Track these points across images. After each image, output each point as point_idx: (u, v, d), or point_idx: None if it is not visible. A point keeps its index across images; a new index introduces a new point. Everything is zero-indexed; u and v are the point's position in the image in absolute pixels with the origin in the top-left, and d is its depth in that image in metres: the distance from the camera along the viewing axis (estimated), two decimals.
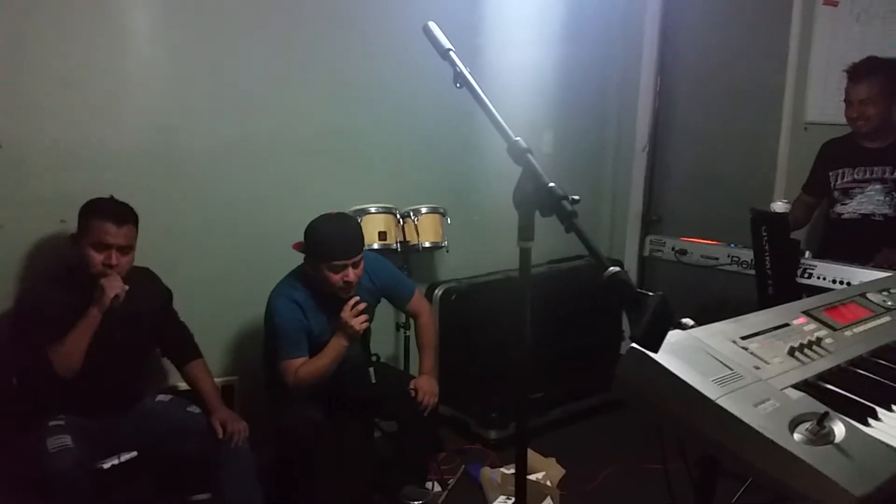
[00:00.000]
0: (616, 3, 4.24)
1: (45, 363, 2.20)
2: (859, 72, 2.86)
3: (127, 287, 2.29)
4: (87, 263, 2.27)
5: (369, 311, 2.63)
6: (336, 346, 2.54)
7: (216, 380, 2.99)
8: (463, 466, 3.17)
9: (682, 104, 4.27)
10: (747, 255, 2.77)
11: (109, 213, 2.29)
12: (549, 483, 2.95)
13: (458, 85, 1.42)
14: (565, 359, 3.64)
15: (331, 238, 2.52)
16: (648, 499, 2.28)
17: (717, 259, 2.95)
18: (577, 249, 4.30)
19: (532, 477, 2.94)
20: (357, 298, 2.55)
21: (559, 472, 3.07)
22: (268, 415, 2.74)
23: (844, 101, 2.93)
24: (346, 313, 2.52)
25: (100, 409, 2.36)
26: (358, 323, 2.51)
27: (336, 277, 2.52)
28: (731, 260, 2.88)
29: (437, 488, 2.94)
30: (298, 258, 2.66)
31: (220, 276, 3.03)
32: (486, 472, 3.02)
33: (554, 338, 3.55)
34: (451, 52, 1.43)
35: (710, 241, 3.04)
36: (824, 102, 3.39)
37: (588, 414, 3.70)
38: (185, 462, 2.49)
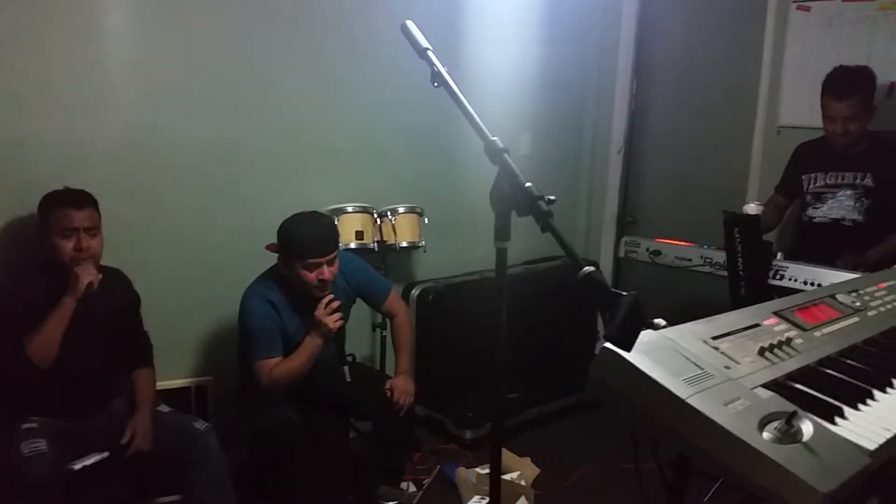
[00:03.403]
0: (593, 7, 4.27)
1: (20, 358, 2.17)
2: (839, 90, 2.86)
3: (101, 275, 2.27)
4: (58, 254, 2.25)
5: (344, 311, 2.62)
6: (310, 344, 2.53)
7: (190, 380, 2.99)
8: (438, 466, 3.17)
9: (657, 107, 4.32)
10: (720, 256, 2.80)
11: (68, 199, 2.30)
12: (523, 482, 2.97)
13: (435, 84, 1.42)
14: (541, 359, 3.66)
15: (305, 236, 2.50)
16: (622, 498, 2.30)
17: (690, 260, 2.98)
18: (554, 250, 4.31)
19: (507, 476, 2.94)
20: (331, 296, 2.54)
21: (534, 471, 3.08)
22: (242, 415, 2.72)
23: (824, 115, 2.94)
24: (319, 311, 2.50)
25: (72, 409, 2.33)
26: (332, 321, 2.50)
27: (311, 276, 2.50)
28: (704, 261, 2.91)
29: (413, 488, 2.94)
30: (273, 258, 2.64)
31: (194, 276, 3.00)
32: (462, 472, 3.02)
33: (530, 338, 3.56)
34: (429, 52, 1.43)
35: (683, 243, 3.07)
36: (797, 106, 3.45)
37: (563, 413, 3.72)
38: (156, 463, 2.46)
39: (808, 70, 3.22)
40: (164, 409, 2.51)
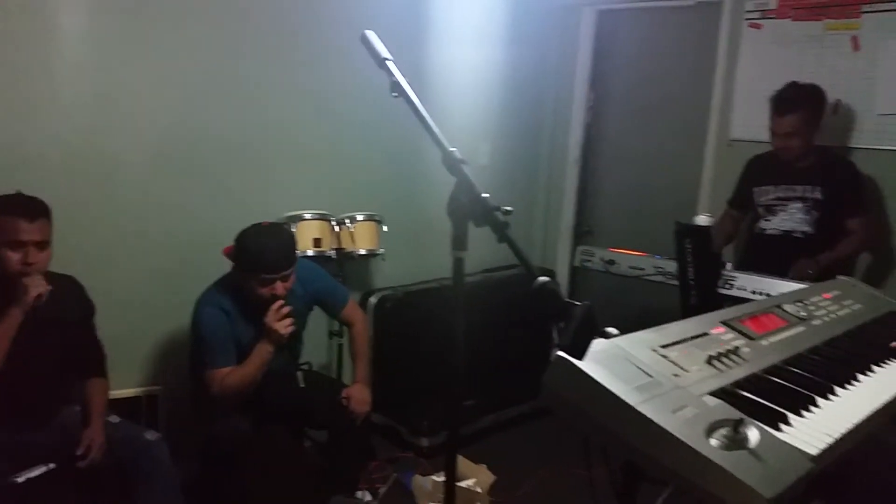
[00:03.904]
0: (552, 21, 4.34)
1: None
2: (784, 105, 2.96)
3: (50, 287, 2.19)
4: (2, 265, 2.17)
5: (301, 319, 2.60)
6: (261, 352, 2.50)
7: (141, 389, 2.93)
8: (394, 475, 3.16)
9: (613, 120, 4.39)
10: (672, 266, 2.86)
11: (20, 209, 2.17)
12: (479, 489, 2.97)
13: (394, 94, 1.43)
14: (498, 366, 3.68)
15: (261, 251, 2.47)
16: None
17: (643, 269, 3.04)
18: (512, 259, 4.32)
19: (462, 484, 2.95)
20: (281, 302, 2.50)
21: (489, 478, 3.09)
22: (193, 425, 2.68)
23: (770, 130, 3.05)
24: (270, 317, 2.47)
25: (18, 421, 2.26)
26: (283, 327, 2.47)
27: (264, 290, 2.48)
28: (657, 271, 2.97)
29: (368, 497, 2.92)
30: (227, 265, 2.61)
31: (145, 284, 2.95)
32: (418, 480, 3.02)
33: (487, 345, 3.58)
34: (388, 62, 1.43)
35: (637, 253, 3.12)
36: (748, 120, 3.54)
37: (519, 420, 3.74)
38: (105, 475, 2.40)
39: (759, 85, 3.31)
40: (114, 419, 2.45)
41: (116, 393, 2.73)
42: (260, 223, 2.57)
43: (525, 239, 4.54)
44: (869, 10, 3.20)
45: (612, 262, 3.15)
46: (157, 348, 3.04)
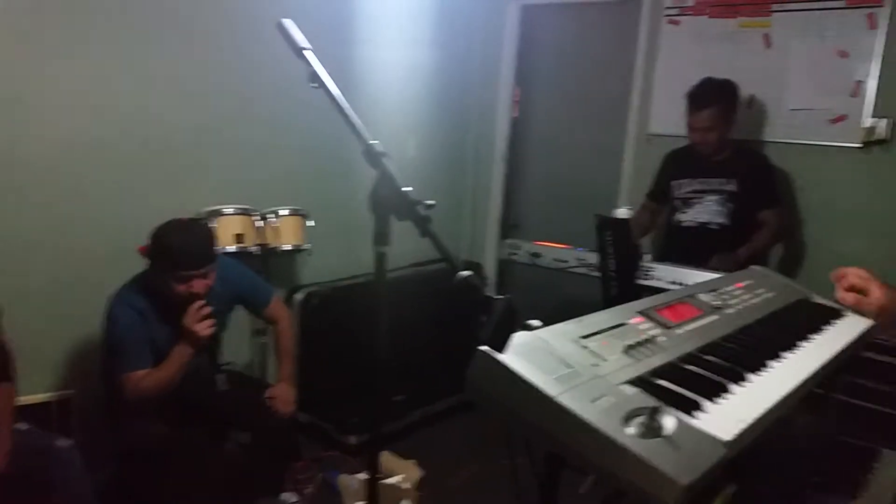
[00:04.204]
0: (477, 15, 4.36)
1: None
2: (700, 101, 3.06)
3: None
4: None
5: (223, 319, 2.52)
6: (180, 354, 2.41)
7: (51, 394, 2.80)
8: (321, 474, 3.12)
9: (538, 114, 4.45)
10: (594, 258, 2.92)
11: None
12: (407, 485, 2.96)
13: (313, 84, 1.39)
14: (428, 360, 3.68)
15: (178, 247, 2.38)
16: (505, 496, 2.34)
17: (567, 262, 3.09)
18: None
19: (390, 480, 2.93)
20: (201, 302, 2.41)
21: (418, 473, 3.09)
22: (109, 430, 2.57)
23: (687, 125, 3.14)
24: (188, 318, 2.39)
25: None
26: (202, 328, 2.39)
27: (181, 288, 2.39)
28: (580, 263, 3.03)
29: (294, 498, 2.87)
30: (142, 264, 2.51)
31: (57, 283, 2.81)
32: (344, 479, 2.99)
33: (416, 339, 3.58)
34: (307, 51, 1.40)
35: (561, 245, 3.17)
36: (666, 115, 3.64)
37: (448, 414, 3.75)
38: (12, 486, 2.28)
39: (677, 81, 3.41)
40: (22, 426, 2.33)
41: (25, 399, 2.59)
42: (177, 219, 2.47)
43: (453, 232, 4.56)
44: (778, 9, 3.34)
45: (537, 255, 3.20)
46: (69, 350, 2.91)
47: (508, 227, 4.56)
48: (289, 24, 1.43)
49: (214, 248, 2.52)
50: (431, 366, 3.71)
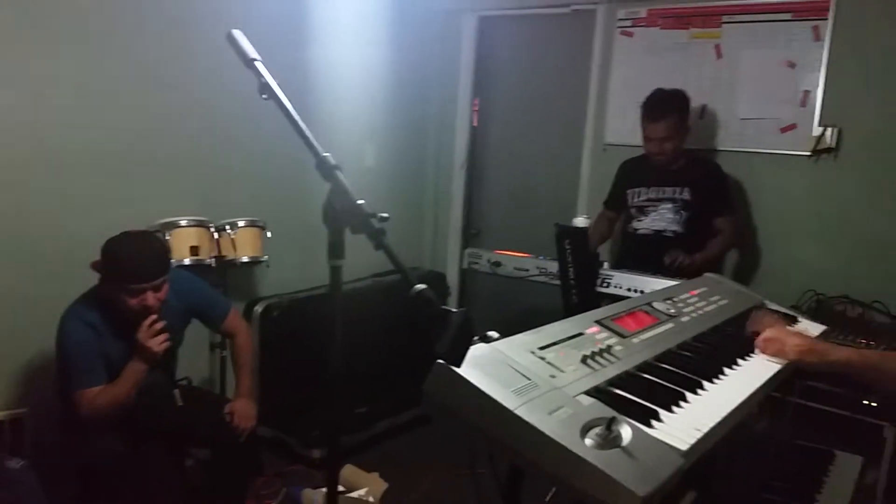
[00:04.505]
0: (434, 26, 4.37)
1: None
2: (655, 111, 3.10)
3: None
4: None
5: (178, 333, 2.47)
6: (134, 370, 2.36)
7: (3, 413, 2.72)
8: (284, 489, 3.06)
9: (497, 124, 4.47)
10: (554, 266, 2.93)
11: None
12: (371, 499, 2.94)
13: (264, 96, 1.37)
14: (390, 371, 3.65)
15: (129, 259, 2.32)
16: None
17: (527, 270, 3.09)
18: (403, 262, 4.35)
19: (354, 494, 2.91)
20: (154, 317, 2.36)
21: (382, 486, 3.06)
22: (64, 449, 2.49)
23: (643, 136, 3.18)
24: (142, 334, 2.33)
25: None
26: (156, 344, 2.34)
27: (133, 301, 2.33)
28: (540, 271, 3.03)
29: None
30: (95, 278, 2.44)
31: (6, 299, 2.72)
32: (308, 494, 2.95)
33: (379, 350, 3.55)
34: (256, 62, 1.38)
35: (521, 254, 3.18)
36: (621, 125, 3.69)
37: (413, 425, 3.72)
38: None
39: (631, 92, 3.45)
40: None
41: None
42: (127, 231, 2.42)
43: (415, 242, 4.55)
44: (729, 20, 3.41)
45: (498, 264, 3.20)
46: (21, 368, 2.82)
47: (470, 236, 4.57)
48: (238, 34, 1.41)
49: (167, 260, 2.46)
50: (395, 377, 3.68)
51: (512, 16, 4.27)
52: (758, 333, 1.71)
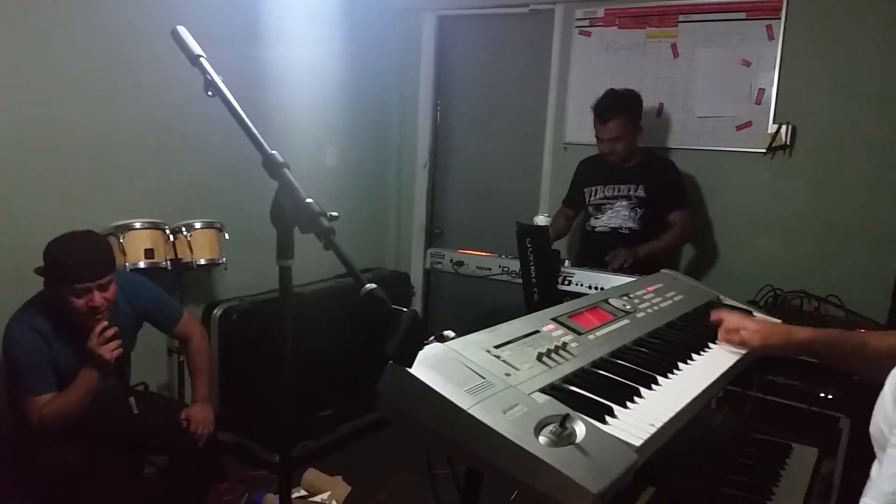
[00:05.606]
0: (394, 25, 4.35)
1: None
2: (604, 112, 3.13)
3: None
4: None
5: (130, 338, 2.41)
6: (86, 378, 2.29)
7: None
8: (246, 495, 3.02)
9: (459, 124, 4.47)
10: (516, 265, 2.93)
11: None
12: (333, 503, 2.90)
13: (209, 93, 1.34)
14: (353, 373, 3.60)
15: (71, 258, 2.25)
16: None
17: (490, 269, 3.09)
18: (366, 262, 4.33)
19: (317, 498, 2.87)
20: (105, 324, 2.30)
21: (345, 489, 3.03)
22: (15, 461, 2.42)
23: (596, 137, 3.21)
24: (92, 341, 2.27)
25: None
26: (108, 351, 2.28)
27: (80, 302, 2.27)
28: (503, 270, 3.03)
29: None
30: (40, 284, 2.37)
31: None
32: (270, 499, 2.90)
33: (342, 352, 3.51)
34: (202, 59, 1.35)
35: (483, 253, 3.17)
36: (580, 124, 3.71)
37: (376, 427, 3.69)
38: None
39: (589, 91, 3.47)
40: None
41: None
42: (71, 231, 2.35)
43: (379, 242, 4.52)
44: (685, 19, 3.45)
45: (460, 264, 3.18)
46: None
47: (434, 235, 4.56)
48: (182, 31, 1.38)
49: (112, 258, 2.39)
50: (358, 378, 3.64)
51: (471, 15, 4.26)
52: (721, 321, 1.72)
